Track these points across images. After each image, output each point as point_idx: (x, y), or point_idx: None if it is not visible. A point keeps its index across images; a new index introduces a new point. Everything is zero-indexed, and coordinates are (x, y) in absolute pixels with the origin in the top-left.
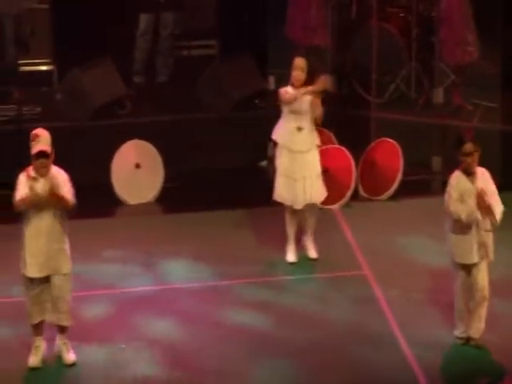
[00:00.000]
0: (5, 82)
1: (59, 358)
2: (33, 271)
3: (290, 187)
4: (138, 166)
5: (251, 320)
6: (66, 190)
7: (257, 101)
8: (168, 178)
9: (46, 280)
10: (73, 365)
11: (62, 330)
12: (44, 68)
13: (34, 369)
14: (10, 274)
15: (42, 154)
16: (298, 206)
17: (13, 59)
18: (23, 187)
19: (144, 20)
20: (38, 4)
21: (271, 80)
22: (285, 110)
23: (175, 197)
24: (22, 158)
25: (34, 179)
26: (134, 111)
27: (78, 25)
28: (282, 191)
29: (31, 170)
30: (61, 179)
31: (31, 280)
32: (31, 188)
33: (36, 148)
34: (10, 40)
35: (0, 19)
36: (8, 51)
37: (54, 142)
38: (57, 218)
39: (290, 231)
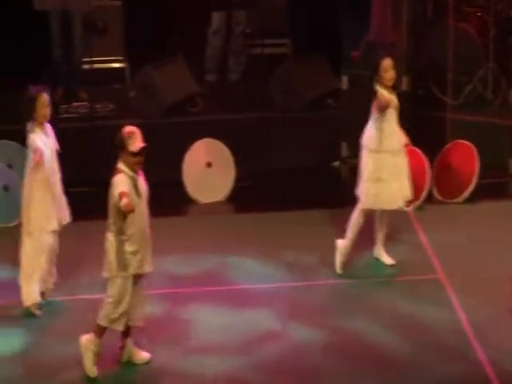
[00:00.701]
0: (77, 80)
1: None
2: (141, 269)
3: (379, 190)
4: (209, 164)
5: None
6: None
7: (329, 100)
8: (239, 177)
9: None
10: (147, 363)
11: (129, 331)
12: (116, 65)
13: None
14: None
15: (144, 151)
16: (392, 207)
17: (85, 57)
18: (126, 188)
19: (216, 18)
20: (110, 1)
21: (344, 80)
22: (376, 111)
23: (246, 196)
24: (94, 155)
25: (132, 178)
26: (205, 109)
27: (150, 22)
28: (370, 196)
29: (127, 170)
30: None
31: (129, 280)
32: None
33: (136, 144)
34: (82, 37)
35: (72, 16)
36: (80, 49)
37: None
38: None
39: (379, 235)
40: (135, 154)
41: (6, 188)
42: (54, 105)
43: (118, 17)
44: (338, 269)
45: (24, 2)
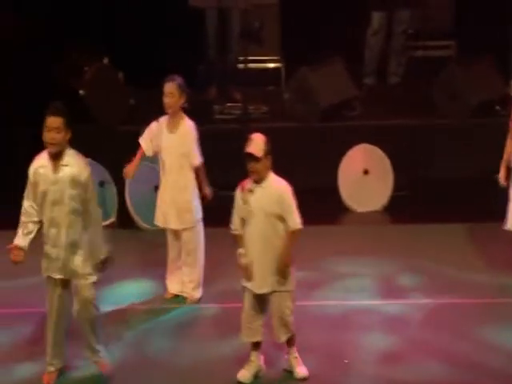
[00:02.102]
0: (231, 80)
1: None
2: (259, 286)
3: None
4: (366, 171)
5: None
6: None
7: (498, 107)
8: (397, 186)
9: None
10: (304, 379)
11: (290, 342)
12: (272, 65)
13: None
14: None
15: (250, 157)
16: None
17: (240, 56)
18: (237, 208)
19: (377, 18)
20: None
21: None
22: None
23: (404, 206)
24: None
25: (250, 191)
26: (363, 114)
27: (307, 22)
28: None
29: (246, 182)
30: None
31: (252, 295)
32: (244, 201)
33: (246, 150)
34: (238, 36)
35: (227, 14)
36: (235, 48)
37: (280, 143)
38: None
39: None
40: (245, 160)
41: (157, 188)
42: (208, 105)
43: (274, 16)
44: None
45: None
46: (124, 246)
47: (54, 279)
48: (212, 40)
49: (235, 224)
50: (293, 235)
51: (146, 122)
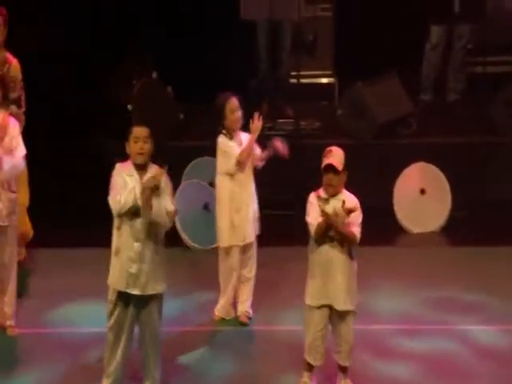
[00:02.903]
0: (283, 95)
1: None
2: (315, 298)
3: None
4: (422, 191)
5: None
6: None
7: None
8: (455, 207)
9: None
10: None
11: (343, 369)
12: (324, 80)
13: None
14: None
15: (329, 168)
16: None
17: (292, 71)
18: (314, 209)
19: (436, 32)
20: (321, 12)
21: None
22: None
23: (463, 228)
24: (299, 175)
25: (325, 200)
26: (419, 131)
27: (362, 35)
28: None
29: (321, 191)
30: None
31: (315, 312)
32: (321, 210)
33: (325, 162)
34: (290, 50)
35: (279, 27)
36: (287, 62)
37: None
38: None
39: None
40: (323, 172)
41: (206, 207)
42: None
43: (328, 28)
44: None
45: (231, 11)
46: (171, 264)
47: (128, 295)
48: (263, 54)
49: (313, 218)
50: (351, 233)
51: (195, 138)
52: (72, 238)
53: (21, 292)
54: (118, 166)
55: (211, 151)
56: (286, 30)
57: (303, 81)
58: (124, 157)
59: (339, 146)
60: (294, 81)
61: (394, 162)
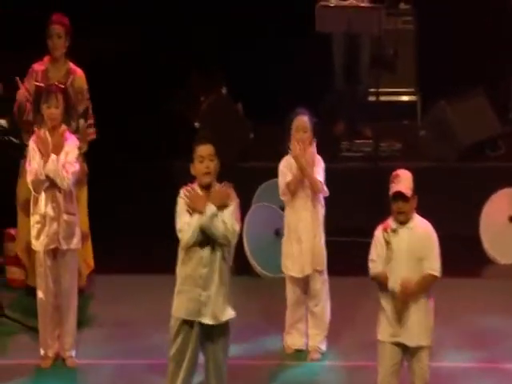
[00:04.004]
0: (361, 114)
1: None
2: (387, 334)
3: None
4: (511, 219)
5: None
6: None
7: None
8: None
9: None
10: None
11: None
12: (406, 99)
13: None
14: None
15: (398, 196)
16: None
17: (371, 88)
18: (377, 247)
19: None
20: (402, 24)
21: None
22: None
23: None
24: (376, 199)
25: (394, 231)
26: (508, 153)
27: (446, 49)
28: None
29: (390, 220)
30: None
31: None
32: (386, 242)
33: (393, 189)
34: (369, 65)
35: (357, 41)
36: (366, 78)
37: (414, 185)
38: None
39: None
40: (391, 200)
41: (277, 232)
42: (334, 141)
43: (410, 42)
44: None
45: (307, 23)
46: (239, 293)
47: (191, 323)
48: (340, 69)
49: (375, 262)
50: (426, 279)
51: (266, 159)
52: (134, 264)
53: (81, 320)
54: (184, 191)
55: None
56: (365, 44)
57: (383, 98)
58: (190, 179)
59: (420, 168)
60: (372, 98)
61: (480, 186)
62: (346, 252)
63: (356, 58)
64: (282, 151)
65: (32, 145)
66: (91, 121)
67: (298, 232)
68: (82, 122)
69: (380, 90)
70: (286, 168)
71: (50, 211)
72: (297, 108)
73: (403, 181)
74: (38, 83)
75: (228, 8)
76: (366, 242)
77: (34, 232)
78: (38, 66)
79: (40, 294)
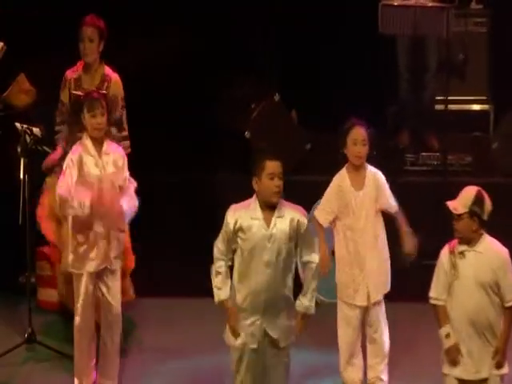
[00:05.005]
0: (427, 124)
1: None
2: (475, 370)
3: None
4: None
5: None
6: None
7: None
8: None
9: None
10: None
11: None
12: (477, 107)
13: None
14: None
15: (451, 212)
16: None
17: (438, 95)
18: (441, 273)
19: None
20: (474, 26)
21: None
22: None
23: None
24: (445, 218)
25: (460, 254)
26: None
27: None
28: None
29: (456, 243)
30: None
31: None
32: (453, 265)
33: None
34: (436, 70)
35: (424, 43)
36: (433, 85)
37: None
38: None
39: None
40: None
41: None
42: (399, 153)
43: (482, 46)
44: None
45: (370, 24)
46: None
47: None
48: (404, 75)
49: (437, 292)
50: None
51: (323, 172)
52: (176, 286)
53: (124, 347)
54: (233, 210)
55: None
56: (432, 47)
57: (452, 107)
58: (238, 192)
59: (493, 184)
60: (440, 107)
61: None
62: (414, 276)
63: (422, 62)
64: (340, 163)
65: (71, 156)
66: (125, 133)
67: (355, 254)
68: (114, 130)
69: (448, 97)
70: (334, 191)
71: (99, 228)
72: (352, 117)
73: (460, 196)
74: (75, 92)
75: (281, 10)
76: (433, 264)
77: (76, 254)
78: (70, 74)
79: (78, 320)
